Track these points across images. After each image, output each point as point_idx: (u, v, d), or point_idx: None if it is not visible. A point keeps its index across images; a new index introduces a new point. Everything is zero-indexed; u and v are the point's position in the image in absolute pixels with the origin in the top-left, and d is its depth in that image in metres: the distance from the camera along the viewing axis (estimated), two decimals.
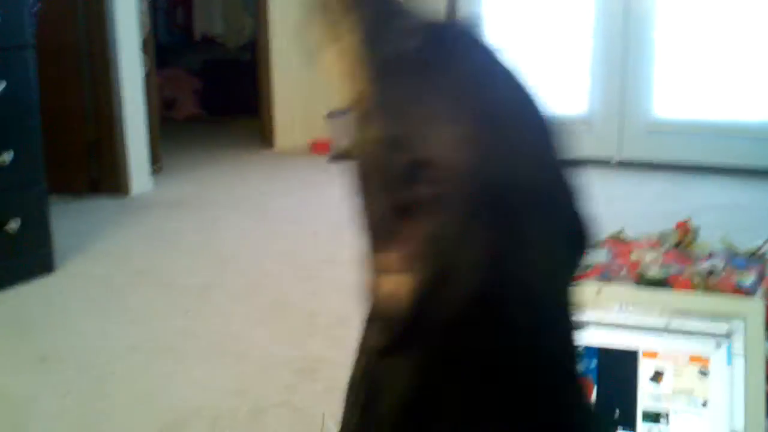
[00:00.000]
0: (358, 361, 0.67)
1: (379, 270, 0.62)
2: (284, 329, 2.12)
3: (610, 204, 3.07)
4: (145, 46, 3.82)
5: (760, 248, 2.13)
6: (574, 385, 0.65)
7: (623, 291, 1.34)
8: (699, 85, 4.24)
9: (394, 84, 0.65)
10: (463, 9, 4.08)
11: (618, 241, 1.77)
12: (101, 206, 3.40)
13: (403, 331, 0.59)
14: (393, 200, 0.61)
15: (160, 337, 2.08)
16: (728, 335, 1.26)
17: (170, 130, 4.88)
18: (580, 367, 0.70)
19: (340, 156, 4.53)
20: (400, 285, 0.59)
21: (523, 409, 0.61)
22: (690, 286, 1.86)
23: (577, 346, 0.65)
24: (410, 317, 0.58)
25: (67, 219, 3.08)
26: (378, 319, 0.62)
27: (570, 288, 0.65)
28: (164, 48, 6.25)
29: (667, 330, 1.28)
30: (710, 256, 2.10)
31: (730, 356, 1.25)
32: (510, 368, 0.60)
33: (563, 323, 0.64)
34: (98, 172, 3.56)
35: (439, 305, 0.58)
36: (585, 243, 0.65)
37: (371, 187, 0.65)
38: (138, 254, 2.78)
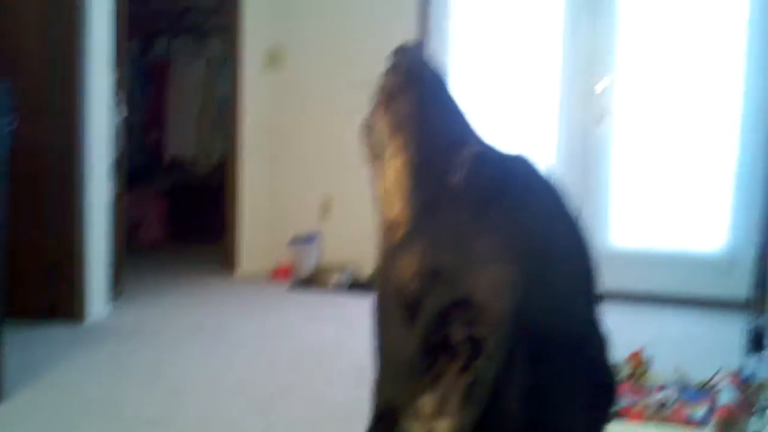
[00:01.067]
0: None
1: (412, 413, 0.59)
2: None
3: None
4: (117, 167, 3.86)
5: (710, 380, 2.16)
6: None
7: None
8: (654, 215, 4.39)
9: (437, 217, 0.64)
10: None
11: None
12: (56, 333, 3.33)
13: None
14: (427, 336, 0.59)
15: None
16: None
17: (134, 254, 4.87)
18: None
19: (302, 283, 4.54)
20: (439, 430, 0.56)
21: None
22: (642, 417, 1.87)
23: None
24: None
25: (20, 347, 3.01)
26: None
27: None
28: (134, 168, 6.31)
29: None
30: (662, 387, 2.12)
31: None
32: None
33: None
34: (56, 296, 3.50)
35: None
36: (611, 397, 0.63)
37: (398, 318, 0.62)
38: (90, 385, 2.72)
